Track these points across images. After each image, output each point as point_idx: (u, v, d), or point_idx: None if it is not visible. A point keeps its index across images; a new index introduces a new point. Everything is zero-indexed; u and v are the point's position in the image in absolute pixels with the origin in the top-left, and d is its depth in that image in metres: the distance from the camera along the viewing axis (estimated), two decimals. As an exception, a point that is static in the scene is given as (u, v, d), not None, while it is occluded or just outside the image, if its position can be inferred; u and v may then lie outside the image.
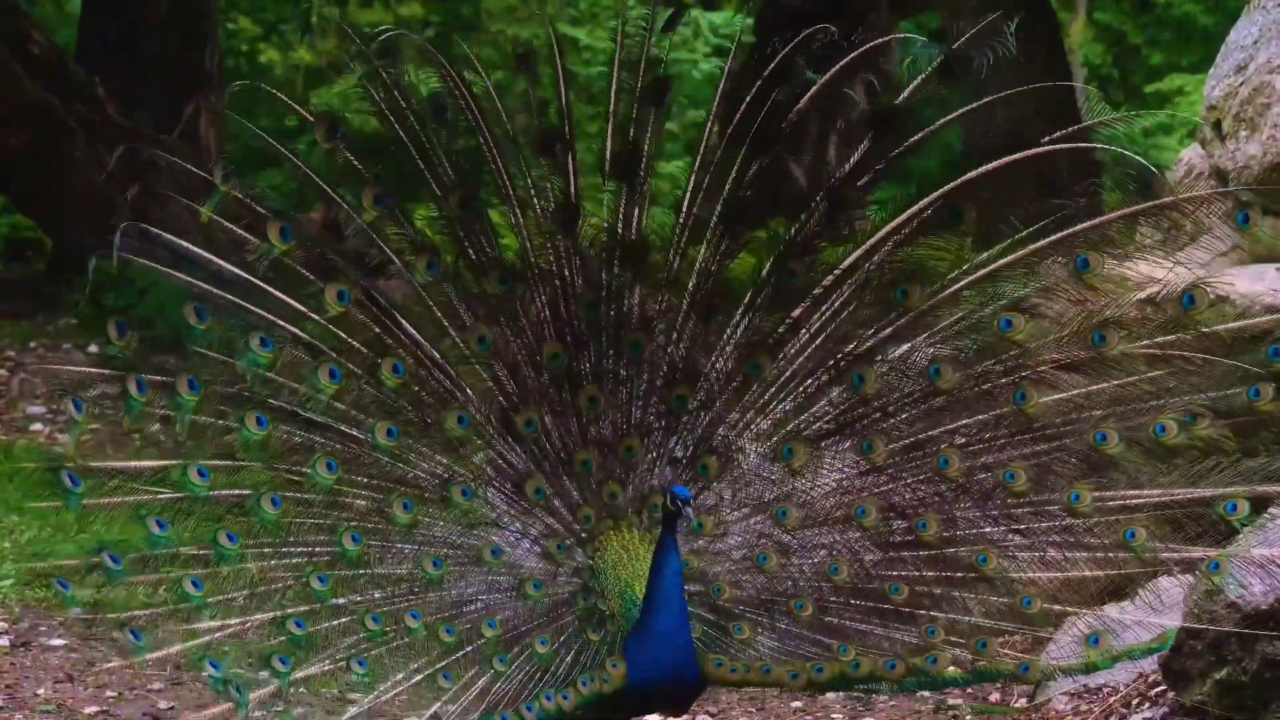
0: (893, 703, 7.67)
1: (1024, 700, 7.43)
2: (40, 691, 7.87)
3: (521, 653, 5.86)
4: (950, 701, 7.61)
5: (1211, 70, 9.16)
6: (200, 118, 15.86)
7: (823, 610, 5.90)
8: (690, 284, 5.95)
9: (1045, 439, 5.86)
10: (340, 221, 6.02)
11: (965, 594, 5.89)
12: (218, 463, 5.90)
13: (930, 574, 5.88)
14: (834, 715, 7.61)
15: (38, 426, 12.13)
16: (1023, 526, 5.85)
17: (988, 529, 5.87)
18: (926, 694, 7.68)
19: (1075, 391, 5.86)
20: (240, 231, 5.94)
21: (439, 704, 5.78)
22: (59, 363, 13.73)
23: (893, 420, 5.91)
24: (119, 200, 14.58)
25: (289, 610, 5.84)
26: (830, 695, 7.72)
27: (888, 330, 5.89)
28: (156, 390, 5.88)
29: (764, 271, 5.93)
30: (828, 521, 5.93)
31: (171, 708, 7.76)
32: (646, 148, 5.93)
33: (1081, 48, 19.59)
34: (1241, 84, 8.81)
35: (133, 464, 5.97)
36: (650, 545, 5.88)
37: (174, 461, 5.91)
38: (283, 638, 5.82)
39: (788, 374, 5.93)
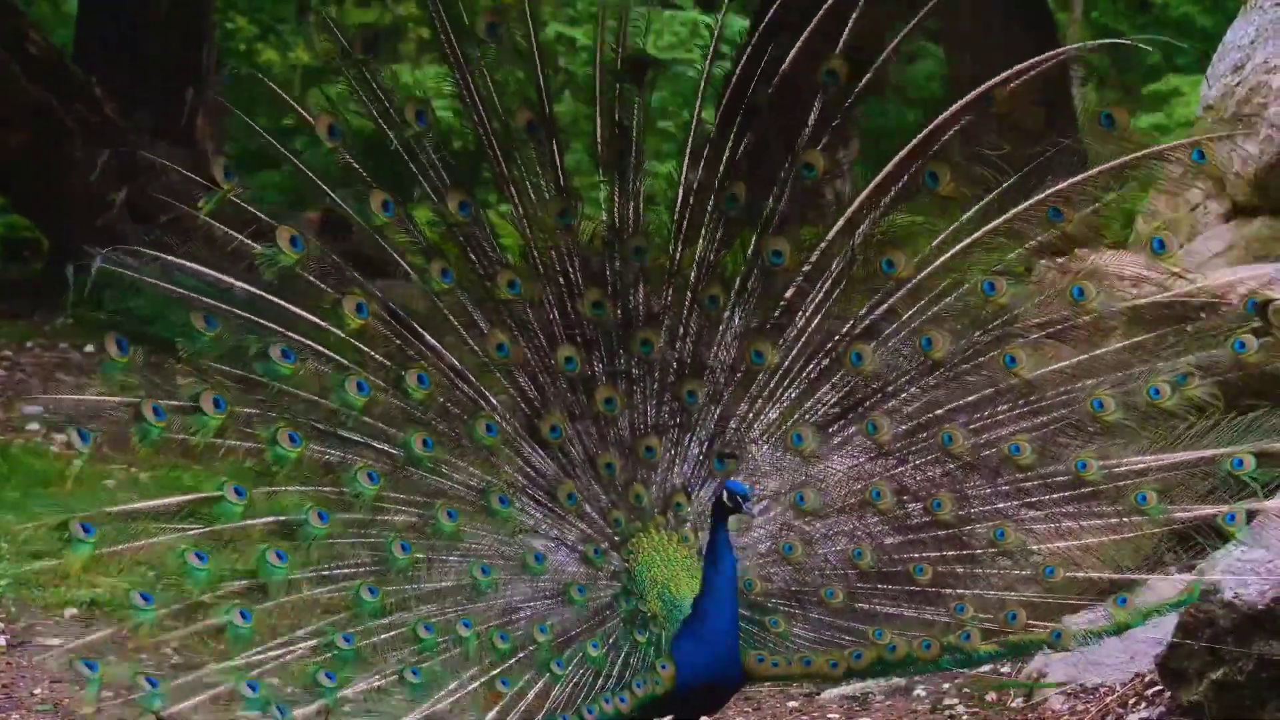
0: (889, 703, 7.68)
1: (1020, 700, 7.44)
2: (37, 691, 7.86)
3: (574, 655, 5.86)
4: (946, 701, 7.62)
5: (1208, 70, 9.18)
6: (197, 118, 15.86)
7: (852, 596, 5.94)
8: (691, 276, 5.98)
9: (1044, 410, 5.92)
10: (348, 225, 6.00)
11: (988, 570, 5.93)
12: (260, 491, 5.82)
13: (951, 553, 5.93)
14: (830, 715, 7.62)
15: (34, 426, 12.12)
16: (1035, 499, 5.91)
17: (1001, 504, 5.92)
18: (922, 693, 7.69)
19: (1067, 362, 5.93)
20: (248, 242, 5.85)
21: (495, 710, 5.75)
22: (56, 363, 13.74)
23: (894, 400, 5.95)
24: (114, 202, 14.61)
25: (337, 627, 5.78)
26: (826, 695, 7.73)
27: (882, 306, 5.94)
28: (176, 413, 5.79)
29: (748, 253, 5.96)
30: (845, 508, 5.97)
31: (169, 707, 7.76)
32: (634, 130, 5.94)
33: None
34: (1238, 84, 8.83)
35: (157, 502, 5.90)
36: (679, 545, 5.92)
37: (193, 496, 5.84)
38: (330, 654, 5.75)
39: (789, 360, 5.97)
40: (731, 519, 5.74)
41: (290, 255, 5.84)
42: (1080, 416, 5.90)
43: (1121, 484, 5.88)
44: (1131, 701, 6.99)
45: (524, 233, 5.98)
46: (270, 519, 5.81)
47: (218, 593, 5.75)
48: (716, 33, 6.16)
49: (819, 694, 7.75)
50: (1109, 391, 5.89)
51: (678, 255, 5.98)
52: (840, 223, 5.93)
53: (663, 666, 5.79)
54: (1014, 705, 7.43)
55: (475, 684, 5.77)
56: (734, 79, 5.93)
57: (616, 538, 5.96)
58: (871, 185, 5.92)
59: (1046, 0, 15.61)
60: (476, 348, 5.94)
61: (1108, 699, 7.07)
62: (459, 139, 6.09)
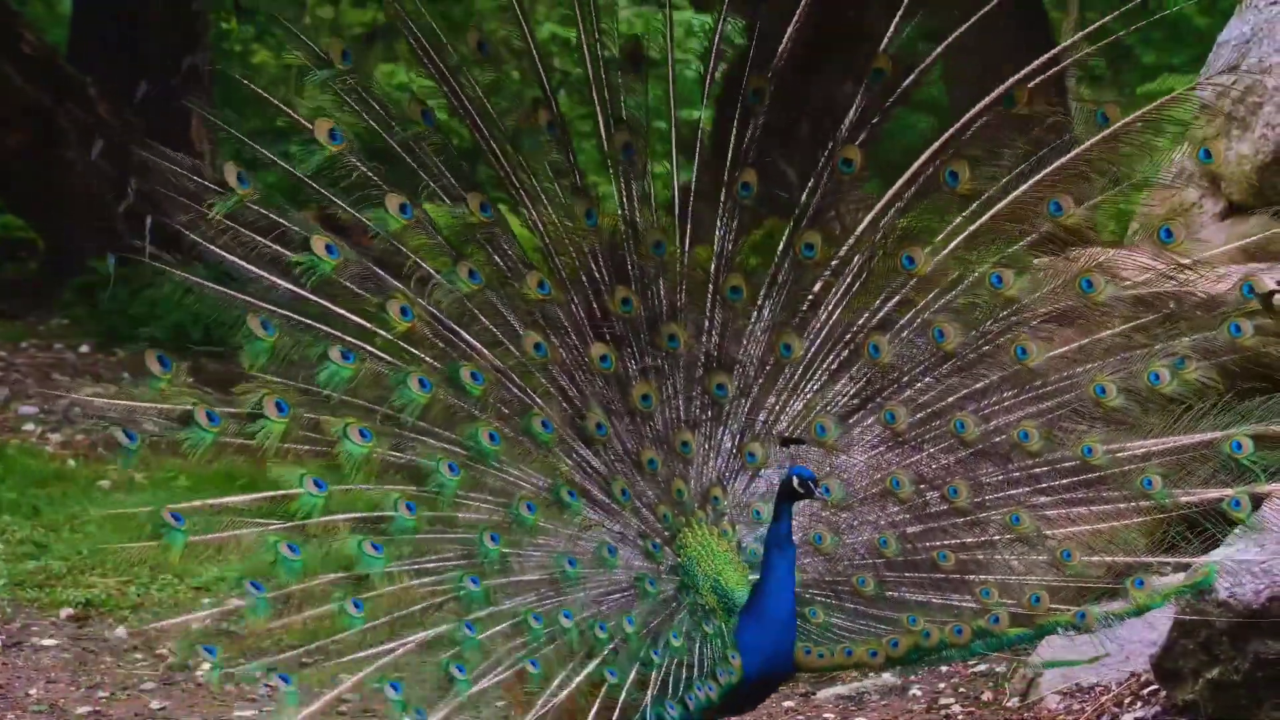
0: (885, 702, 7.69)
1: (1016, 699, 7.44)
2: (32, 691, 7.87)
3: (661, 644, 5.89)
4: (942, 700, 7.62)
5: (1203, 69, 9.17)
6: (192, 119, 15.85)
7: (882, 584, 6.02)
8: (712, 268, 6.04)
9: (1048, 396, 6.01)
10: (346, 227, 6.00)
11: (1007, 555, 6.02)
12: (339, 487, 5.81)
13: (970, 539, 6.02)
14: (826, 715, 7.62)
15: (30, 427, 12.13)
16: (1045, 485, 6.00)
17: (1013, 490, 6.01)
18: (918, 693, 7.70)
19: (1068, 347, 6.01)
20: (282, 249, 5.83)
21: (597, 704, 5.75)
22: (51, 363, 13.74)
23: (910, 390, 6.04)
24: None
25: (458, 615, 5.78)
26: (822, 695, 7.74)
27: (895, 298, 6.03)
28: (230, 418, 5.77)
29: (780, 246, 6.03)
30: (868, 498, 6.06)
31: (164, 708, 7.76)
32: (630, 121, 6.00)
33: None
34: (1234, 83, 8.81)
35: (238, 498, 5.88)
36: (720, 539, 5.99)
37: (271, 494, 5.83)
38: (456, 647, 5.75)
39: (812, 352, 6.06)
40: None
41: (328, 262, 5.84)
42: (1083, 402, 5.98)
43: (1126, 469, 5.96)
44: (1127, 701, 7.00)
45: (543, 235, 6.00)
46: (354, 515, 5.81)
47: (314, 581, 5.74)
48: (668, 18, 6.18)
49: (814, 694, 7.76)
50: (1110, 377, 5.97)
51: (686, 247, 6.04)
52: (867, 220, 6.02)
53: (733, 656, 5.83)
54: (1010, 705, 7.44)
55: (580, 675, 5.78)
56: (713, 56, 5.99)
57: (666, 533, 6.02)
58: (899, 183, 6.01)
59: (1042, 0, 15.63)
60: (513, 348, 5.97)
61: (1103, 698, 7.08)
62: (457, 139, 6.09)
